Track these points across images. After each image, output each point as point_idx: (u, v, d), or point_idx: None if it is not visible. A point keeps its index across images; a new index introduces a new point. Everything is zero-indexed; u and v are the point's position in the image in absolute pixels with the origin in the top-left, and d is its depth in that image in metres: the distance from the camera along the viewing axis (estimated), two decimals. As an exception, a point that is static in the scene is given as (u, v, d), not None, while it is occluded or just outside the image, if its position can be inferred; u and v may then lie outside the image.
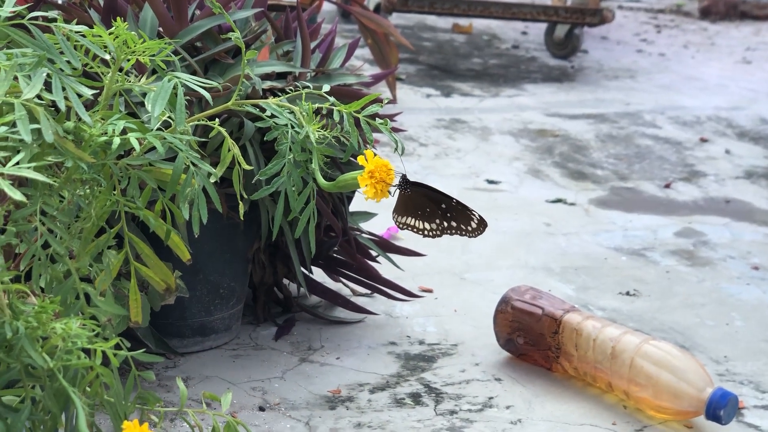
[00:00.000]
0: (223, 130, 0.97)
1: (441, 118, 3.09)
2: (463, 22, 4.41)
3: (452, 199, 1.08)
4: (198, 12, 1.56)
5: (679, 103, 3.43)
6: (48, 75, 0.85)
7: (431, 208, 1.09)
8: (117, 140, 0.87)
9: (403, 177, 1.00)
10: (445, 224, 1.10)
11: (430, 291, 1.91)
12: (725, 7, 5.12)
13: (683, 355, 1.50)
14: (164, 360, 1.62)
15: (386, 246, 1.78)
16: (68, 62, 0.86)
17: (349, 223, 1.70)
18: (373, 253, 1.76)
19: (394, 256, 1.79)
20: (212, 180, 0.99)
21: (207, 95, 0.93)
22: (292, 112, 0.95)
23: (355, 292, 1.85)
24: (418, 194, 1.09)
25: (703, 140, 3.00)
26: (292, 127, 0.94)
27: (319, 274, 1.81)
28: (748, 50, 4.35)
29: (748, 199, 2.53)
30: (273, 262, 1.71)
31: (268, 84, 1.49)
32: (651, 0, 5.45)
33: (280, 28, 1.64)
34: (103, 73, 0.95)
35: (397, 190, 1.06)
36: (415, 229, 1.12)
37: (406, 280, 1.86)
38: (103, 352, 0.82)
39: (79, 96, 0.87)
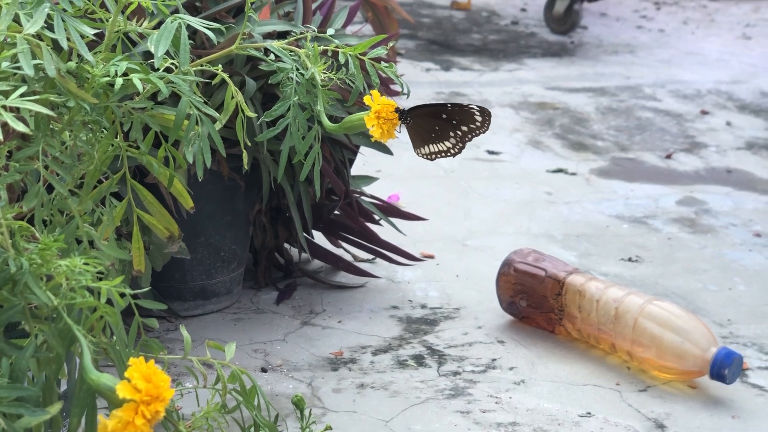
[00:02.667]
0: (225, 75, 0.96)
1: (440, 91, 3.08)
2: (462, -2, 4.39)
3: (446, 104, 1.08)
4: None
5: (679, 77, 3.41)
6: (49, 15, 0.84)
7: (438, 125, 1.08)
8: (120, 81, 0.85)
9: (397, 109, 0.99)
10: (459, 133, 1.10)
11: (431, 257, 1.90)
12: (725, -16, 5.10)
13: (687, 316, 1.50)
14: (165, 323, 1.61)
15: (388, 210, 1.77)
16: (71, 2, 0.85)
17: (351, 186, 1.69)
18: (376, 217, 1.75)
19: (396, 223, 1.78)
20: (217, 127, 0.98)
21: (212, 35, 0.92)
22: (296, 55, 0.94)
23: (356, 258, 1.84)
24: (420, 118, 1.08)
25: (704, 112, 2.99)
26: (297, 69, 0.93)
27: (320, 239, 1.80)
28: (748, 26, 4.33)
29: (750, 169, 2.52)
30: (274, 225, 1.70)
31: (269, 42, 1.48)
32: (650, -22, 5.43)
33: (282, -11, 1.62)
34: (104, 18, 0.94)
35: (403, 126, 1.06)
36: (440, 154, 1.11)
37: (408, 246, 1.85)
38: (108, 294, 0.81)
39: (82, 37, 0.86)
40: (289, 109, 0.93)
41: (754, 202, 2.29)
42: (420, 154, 1.12)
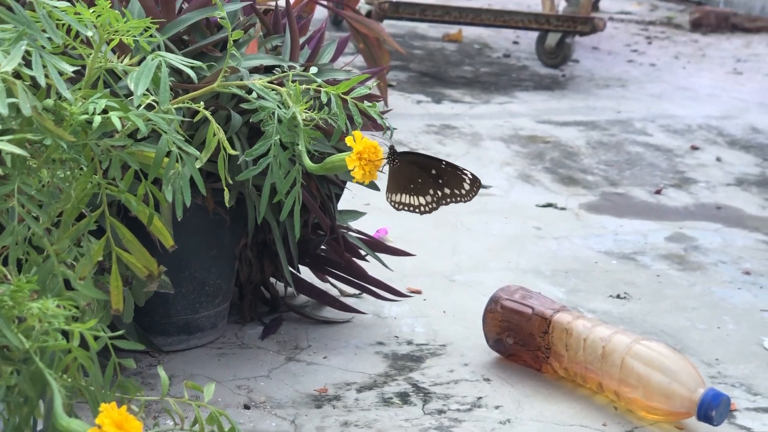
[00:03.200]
0: (207, 113, 0.95)
1: (431, 123, 3.08)
2: (453, 30, 4.39)
3: (441, 161, 1.06)
4: (186, 5, 1.55)
5: (670, 112, 3.42)
6: (27, 52, 0.83)
7: (422, 178, 1.07)
8: (98, 119, 0.84)
9: (391, 148, 0.98)
10: (439, 193, 1.08)
11: (418, 292, 1.88)
12: (716, 19, 5.12)
13: (675, 356, 1.48)
14: (148, 358, 1.59)
15: (375, 245, 1.76)
16: (49, 39, 0.83)
17: (338, 221, 1.68)
18: (362, 252, 1.74)
19: (383, 257, 1.76)
20: (198, 165, 0.96)
21: (192, 74, 0.90)
22: (278, 94, 0.93)
23: (343, 293, 1.82)
24: (407, 165, 1.07)
25: (694, 148, 2.99)
26: (279, 107, 0.92)
27: (306, 274, 1.79)
28: (739, 62, 4.35)
29: (739, 206, 2.51)
30: (260, 260, 1.69)
31: (255, 78, 1.47)
32: (642, 12, 5.45)
33: (269, 23, 1.62)
34: (85, 55, 0.93)
35: (387, 166, 1.04)
36: (410, 207, 1.09)
37: (395, 282, 1.84)
38: (82, 336, 0.79)
39: (60, 74, 0.85)
40: (270, 148, 0.92)
41: (743, 240, 2.28)
42: (389, 200, 1.10)
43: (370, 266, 1.78)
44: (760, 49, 4.67)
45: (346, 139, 0.92)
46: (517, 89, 3.60)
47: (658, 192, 2.58)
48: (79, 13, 0.88)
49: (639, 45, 4.59)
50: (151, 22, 0.91)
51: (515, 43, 4.40)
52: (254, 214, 1.54)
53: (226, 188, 1.02)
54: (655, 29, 5.02)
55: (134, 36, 0.93)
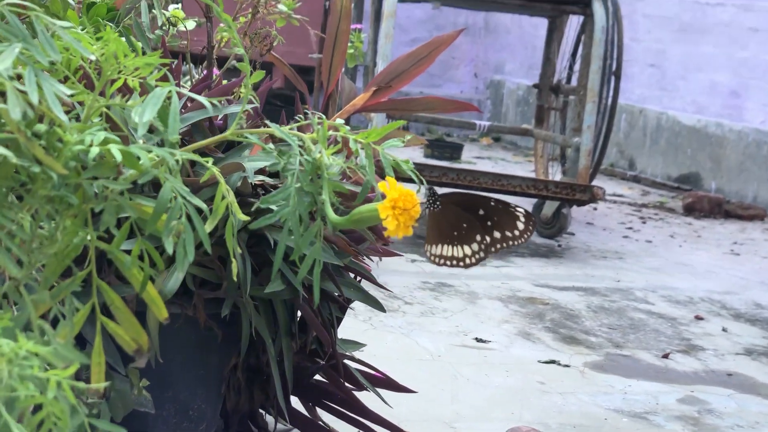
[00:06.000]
0: (216, 169, 0.84)
1: (426, 281, 2.97)
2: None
3: (490, 199, 0.93)
4: (189, 104, 1.45)
5: (670, 284, 3.32)
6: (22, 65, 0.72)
7: (468, 222, 0.94)
8: (95, 150, 0.73)
9: (431, 189, 0.86)
10: (488, 239, 0.95)
11: (418, 437, 1.74)
12: (709, 204, 5.08)
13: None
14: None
15: (375, 380, 1.62)
16: (45, 53, 0.73)
17: (338, 348, 1.55)
18: (361, 383, 1.59)
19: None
20: (207, 229, 0.84)
21: (207, 103, 0.80)
22: (301, 140, 0.82)
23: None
24: (451, 208, 0.94)
25: (699, 318, 2.88)
26: (301, 154, 0.80)
27: (295, 403, 1.64)
28: (736, 244, 4.28)
29: (751, 374, 2.39)
30: (250, 386, 1.54)
31: (260, 179, 1.37)
32: (634, 195, 5.42)
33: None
34: (85, 92, 0.82)
35: (426, 211, 0.92)
36: (453, 261, 0.96)
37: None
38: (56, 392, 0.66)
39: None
40: (289, 196, 0.80)
41: (758, 406, 2.15)
42: (429, 253, 0.98)
43: (365, 402, 1.63)
44: (755, 234, 4.61)
45: (379, 184, 0.80)
46: (513, 255, 3.50)
47: (665, 356, 2.45)
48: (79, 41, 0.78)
49: (633, 224, 4.53)
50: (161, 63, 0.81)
51: (509, 214, 4.34)
52: (249, 329, 1.41)
53: (233, 259, 0.90)
54: (648, 211, 4.98)
55: (141, 77, 0.82)
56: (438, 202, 0.94)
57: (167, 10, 1.93)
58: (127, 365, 1.31)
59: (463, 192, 0.96)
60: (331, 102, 2.51)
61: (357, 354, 1.72)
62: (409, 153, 5.69)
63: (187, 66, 1.81)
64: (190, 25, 1.93)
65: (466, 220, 0.95)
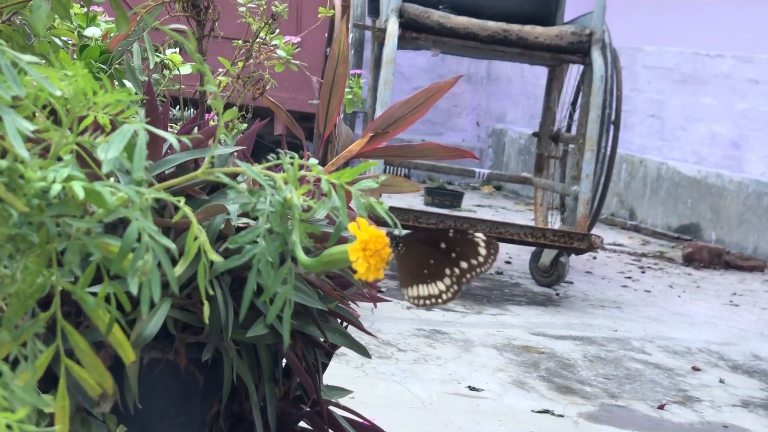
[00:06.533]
0: (188, 209, 0.82)
1: (421, 328, 2.94)
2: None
3: (447, 230, 0.91)
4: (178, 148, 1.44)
5: (667, 334, 3.29)
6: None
7: (434, 257, 0.92)
8: (57, 187, 0.71)
9: (389, 233, 0.84)
10: (456, 270, 0.93)
11: (405, 487, 1.70)
12: (709, 255, 5.06)
13: None
14: None
15: (359, 426, 1.59)
16: (9, 87, 0.71)
17: (323, 394, 1.52)
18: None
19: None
20: (177, 272, 0.82)
21: (174, 141, 0.78)
22: (272, 179, 0.80)
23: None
24: (414, 246, 0.92)
25: (695, 369, 2.85)
26: (272, 195, 0.79)
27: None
28: (735, 295, 4.25)
29: (748, 426, 2.35)
30: (232, 434, 1.52)
31: (244, 221, 1.35)
32: (634, 245, 5.40)
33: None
34: (52, 129, 0.80)
35: (393, 256, 0.90)
36: (431, 299, 0.94)
37: (379, 473, 1.66)
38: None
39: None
40: (257, 239, 0.78)
41: (755, 459, 2.12)
42: (407, 297, 0.96)
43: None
44: (755, 286, 4.59)
45: (350, 225, 0.78)
46: (509, 303, 3.48)
47: (661, 407, 2.42)
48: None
49: (633, 273, 4.51)
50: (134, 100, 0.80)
51: (507, 262, 4.31)
52: (231, 375, 1.39)
53: (206, 301, 0.88)
54: (648, 260, 4.95)
55: (111, 114, 0.81)
56: (401, 244, 0.92)
57: (165, 54, 1.93)
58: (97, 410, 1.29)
59: (422, 229, 0.94)
60: (330, 148, 2.50)
61: (347, 401, 1.70)
62: (409, 200, 5.68)
63: (180, 110, 1.81)
64: (185, 69, 1.92)
65: (432, 255, 0.94)
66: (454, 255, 0.94)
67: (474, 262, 0.95)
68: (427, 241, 0.94)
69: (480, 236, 0.94)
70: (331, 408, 1.55)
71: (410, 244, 0.93)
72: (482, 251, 0.95)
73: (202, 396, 1.43)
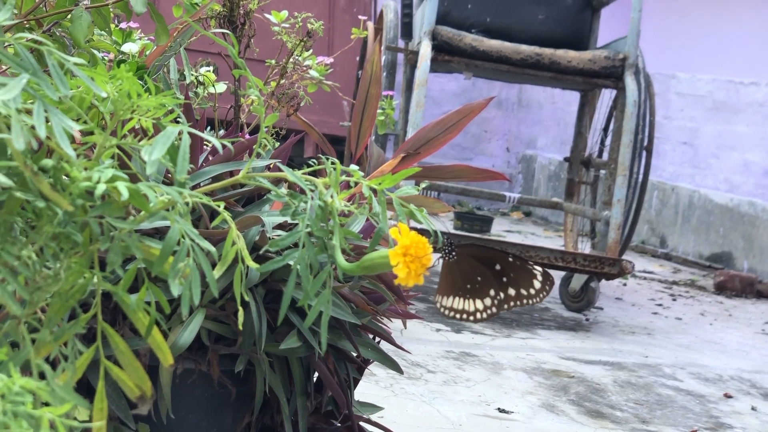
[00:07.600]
0: (227, 214, 0.82)
1: (450, 350, 2.93)
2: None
3: (508, 254, 0.90)
4: (210, 157, 1.45)
5: (699, 361, 3.26)
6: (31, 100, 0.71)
7: (483, 275, 0.91)
8: (102, 187, 0.72)
9: (448, 239, 0.83)
10: (502, 295, 0.92)
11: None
12: (741, 284, 5.03)
13: None
14: None
15: (391, 444, 1.59)
16: (56, 87, 0.72)
17: (355, 410, 1.52)
18: (377, 448, 1.56)
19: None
20: (215, 275, 0.83)
21: (218, 144, 0.79)
22: (313, 184, 0.80)
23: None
24: (466, 259, 0.92)
25: (727, 396, 2.82)
26: (312, 199, 0.79)
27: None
28: (767, 324, 4.22)
29: (781, 454, 2.33)
30: (263, 448, 1.51)
31: (278, 233, 1.35)
32: (665, 272, 5.37)
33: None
34: (97, 131, 0.81)
35: (440, 260, 0.89)
36: (463, 314, 0.94)
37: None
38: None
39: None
40: (297, 243, 0.78)
41: (788, 487, 2.09)
42: (439, 304, 0.95)
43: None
44: (787, 315, 4.55)
45: (391, 230, 0.78)
46: (539, 327, 3.46)
47: (692, 433, 2.40)
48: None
49: (664, 301, 4.48)
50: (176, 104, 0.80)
51: (537, 287, 4.30)
52: (263, 387, 1.39)
53: (240, 308, 0.88)
54: (679, 288, 4.92)
55: (154, 118, 0.81)
56: (454, 252, 0.91)
57: (199, 72, 1.94)
58: (134, 416, 1.29)
59: (481, 244, 0.93)
60: (361, 168, 2.48)
61: (376, 419, 1.69)
62: (438, 226, 5.67)
63: (213, 130, 1.82)
64: (220, 87, 1.93)
65: (481, 273, 0.93)
66: (505, 279, 0.93)
67: (524, 292, 0.94)
68: (480, 258, 0.93)
69: (539, 269, 0.93)
70: (363, 424, 1.54)
71: (463, 256, 0.92)
72: (537, 284, 0.94)
73: (234, 408, 1.43)
